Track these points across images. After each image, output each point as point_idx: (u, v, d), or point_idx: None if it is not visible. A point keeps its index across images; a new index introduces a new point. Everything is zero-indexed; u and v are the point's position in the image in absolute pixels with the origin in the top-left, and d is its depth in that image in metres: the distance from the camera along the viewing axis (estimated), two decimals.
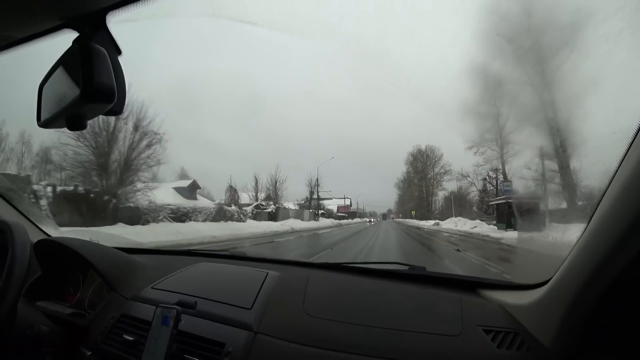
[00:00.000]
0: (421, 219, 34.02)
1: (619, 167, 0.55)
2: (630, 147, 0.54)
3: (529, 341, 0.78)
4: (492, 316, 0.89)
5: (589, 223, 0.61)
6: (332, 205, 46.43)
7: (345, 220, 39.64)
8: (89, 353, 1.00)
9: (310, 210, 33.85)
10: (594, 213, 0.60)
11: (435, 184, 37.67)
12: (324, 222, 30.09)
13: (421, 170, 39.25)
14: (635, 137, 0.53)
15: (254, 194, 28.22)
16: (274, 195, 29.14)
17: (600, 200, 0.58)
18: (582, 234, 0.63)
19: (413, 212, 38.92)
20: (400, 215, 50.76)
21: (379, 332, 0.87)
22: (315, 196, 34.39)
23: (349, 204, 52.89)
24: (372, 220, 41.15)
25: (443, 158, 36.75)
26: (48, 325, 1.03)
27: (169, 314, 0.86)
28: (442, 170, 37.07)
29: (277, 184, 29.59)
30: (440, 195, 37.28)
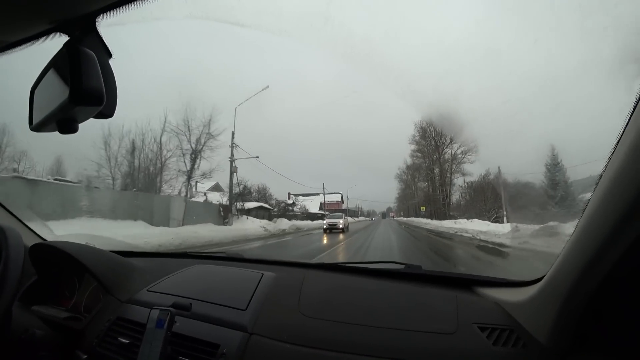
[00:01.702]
0: (434, 217, 24.20)
1: (608, 162, 0.55)
2: (617, 143, 0.54)
3: (524, 338, 0.78)
4: (488, 313, 0.89)
5: (580, 218, 0.61)
6: (315, 201, 36.08)
7: (316, 222, 25.29)
8: (85, 356, 1.00)
9: (197, 200, 16.14)
10: (585, 208, 0.60)
11: (455, 168, 25.59)
12: (247, 226, 15.04)
13: (434, 149, 26.93)
14: (622, 134, 0.53)
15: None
16: (153, 161, 12.94)
17: (592, 196, 0.58)
18: (574, 230, 0.63)
19: (423, 208, 28.91)
20: (402, 214, 41.81)
21: (375, 331, 0.87)
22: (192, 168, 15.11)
23: (339, 199, 44.19)
24: (342, 222, 17.31)
25: (463, 132, 23.60)
26: (43, 330, 1.03)
27: (163, 316, 0.87)
28: (464, 149, 24.58)
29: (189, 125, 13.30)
30: (457, 184, 25.57)
